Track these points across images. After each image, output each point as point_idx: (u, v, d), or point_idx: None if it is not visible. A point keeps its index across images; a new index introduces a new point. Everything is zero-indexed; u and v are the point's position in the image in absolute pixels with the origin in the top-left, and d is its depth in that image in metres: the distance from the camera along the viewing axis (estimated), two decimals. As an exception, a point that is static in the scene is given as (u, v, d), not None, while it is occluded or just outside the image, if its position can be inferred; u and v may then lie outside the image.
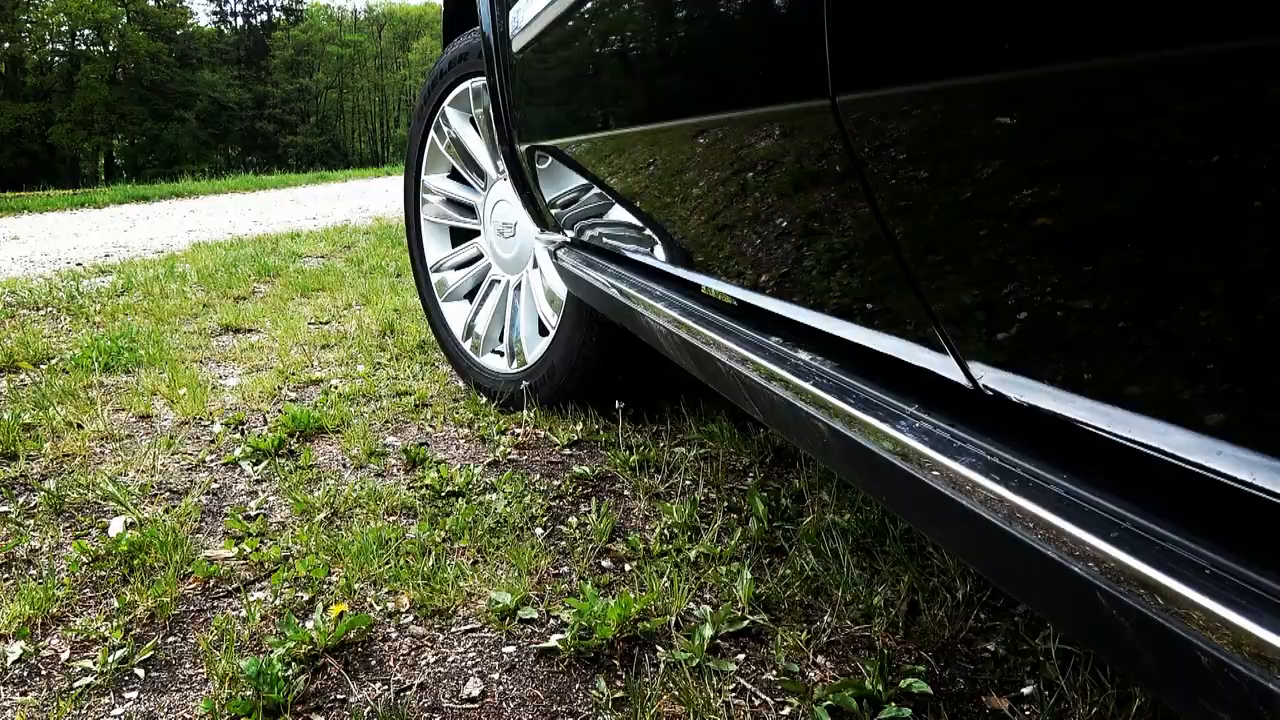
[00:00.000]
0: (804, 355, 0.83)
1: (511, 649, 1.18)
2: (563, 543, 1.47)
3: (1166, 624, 0.40)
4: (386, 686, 1.11)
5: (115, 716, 1.07)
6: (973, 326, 0.59)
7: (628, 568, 1.38)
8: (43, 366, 2.67)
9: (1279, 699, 0.35)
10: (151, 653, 1.18)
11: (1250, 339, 0.39)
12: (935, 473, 0.57)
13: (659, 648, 1.16)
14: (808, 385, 0.76)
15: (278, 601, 1.30)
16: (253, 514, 1.60)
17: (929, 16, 0.52)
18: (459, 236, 2.43)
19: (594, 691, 1.09)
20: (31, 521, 1.58)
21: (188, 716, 1.06)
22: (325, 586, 1.34)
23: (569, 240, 1.69)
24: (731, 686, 1.08)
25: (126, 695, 1.11)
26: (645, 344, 1.30)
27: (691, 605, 1.24)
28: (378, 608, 1.28)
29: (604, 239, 1.53)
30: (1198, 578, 0.41)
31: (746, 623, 1.20)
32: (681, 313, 1.10)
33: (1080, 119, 0.45)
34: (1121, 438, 0.49)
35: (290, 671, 1.11)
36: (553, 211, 1.71)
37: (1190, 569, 0.42)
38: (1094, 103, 0.43)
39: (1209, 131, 0.38)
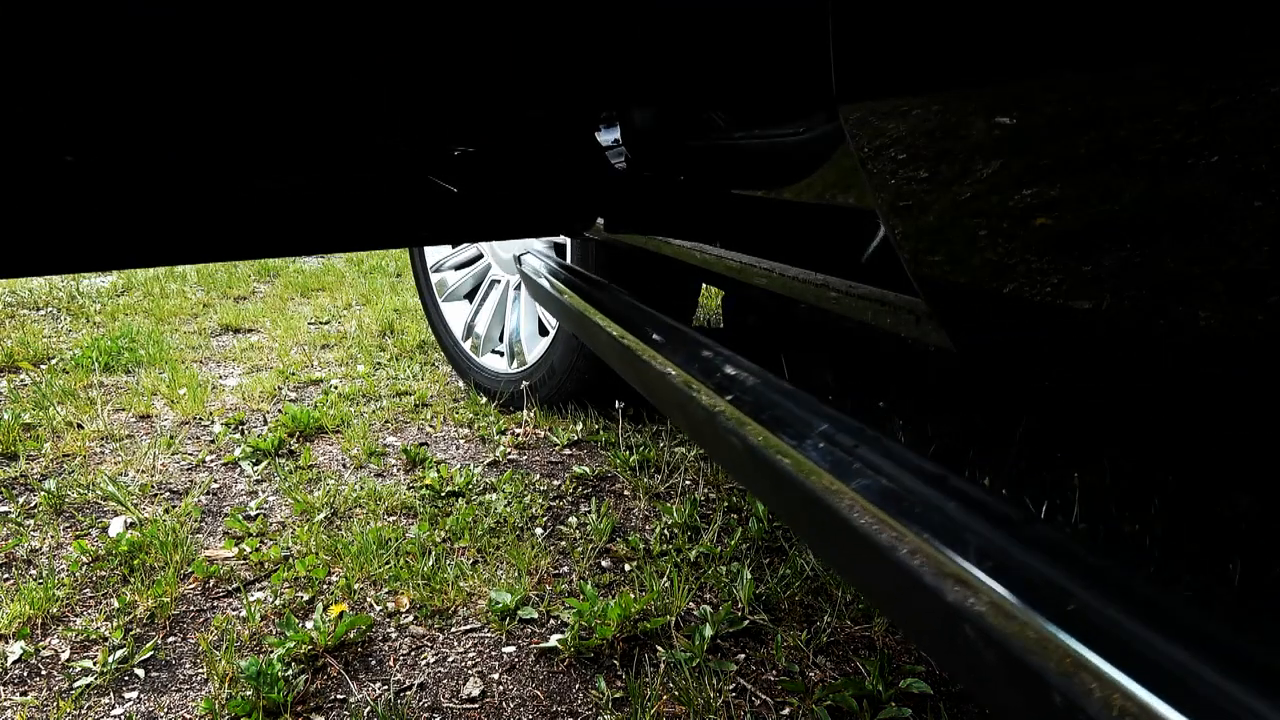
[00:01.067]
0: (729, 370, 0.80)
1: (511, 649, 1.19)
2: (563, 543, 1.47)
3: (1026, 658, 0.39)
4: (386, 686, 1.11)
5: (115, 716, 1.07)
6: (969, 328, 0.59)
7: (628, 568, 1.38)
8: (43, 366, 2.67)
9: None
10: (151, 653, 1.18)
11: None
12: (828, 490, 0.55)
13: (659, 648, 1.16)
14: (725, 401, 0.73)
15: (278, 601, 1.30)
16: (253, 514, 1.60)
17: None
18: (459, 237, 2.43)
19: (594, 691, 1.09)
20: (31, 521, 1.59)
21: (188, 716, 1.06)
22: (325, 586, 1.34)
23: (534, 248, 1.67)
24: (731, 686, 1.08)
25: (126, 695, 1.11)
26: (592, 348, 1.26)
27: (691, 605, 1.25)
28: (378, 608, 1.28)
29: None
30: (1062, 613, 0.40)
31: (746, 623, 1.20)
32: (622, 323, 1.06)
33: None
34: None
35: (290, 671, 1.11)
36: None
37: (1057, 602, 0.41)
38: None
39: (1206, 137, 0.38)
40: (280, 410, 2.15)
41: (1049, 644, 0.39)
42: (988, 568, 0.44)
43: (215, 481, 1.76)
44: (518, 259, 1.64)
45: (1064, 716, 0.37)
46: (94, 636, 1.22)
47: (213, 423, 2.11)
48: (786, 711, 1.04)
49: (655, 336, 0.96)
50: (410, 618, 1.26)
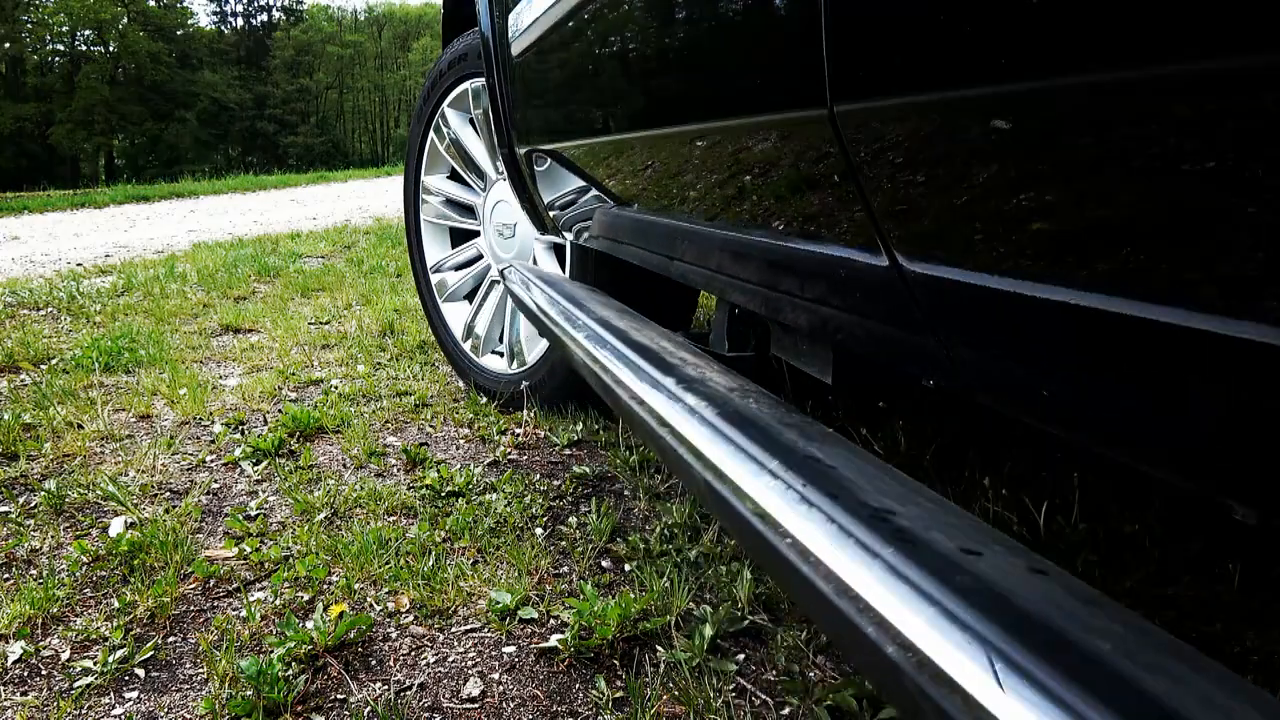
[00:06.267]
0: (691, 399, 0.78)
1: (511, 649, 1.19)
2: (563, 543, 1.47)
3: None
4: (386, 686, 1.11)
5: (115, 716, 1.07)
6: (966, 327, 0.59)
7: (628, 568, 1.38)
8: (43, 366, 2.67)
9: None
10: (152, 653, 1.18)
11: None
12: (781, 534, 0.54)
13: (659, 648, 1.16)
14: (689, 430, 0.71)
15: (278, 601, 1.30)
16: (253, 514, 1.60)
17: (926, 29, 0.53)
18: (459, 237, 2.43)
19: (594, 691, 1.09)
20: (32, 521, 1.59)
21: (188, 716, 1.07)
22: (325, 586, 1.34)
23: (514, 264, 1.66)
24: (731, 686, 1.08)
25: (127, 695, 1.11)
26: (572, 366, 1.23)
27: (692, 605, 1.25)
28: (378, 608, 1.28)
29: (601, 240, 1.53)
30: (995, 675, 0.40)
31: (746, 623, 1.20)
32: (595, 344, 1.03)
33: (1076, 129, 0.45)
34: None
35: (290, 671, 1.11)
36: (551, 214, 1.71)
37: (990, 665, 0.41)
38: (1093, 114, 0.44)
39: (1203, 141, 0.38)
40: (280, 410, 2.16)
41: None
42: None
43: (215, 481, 1.76)
44: (502, 274, 1.63)
45: None
46: (94, 636, 1.22)
47: (213, 423, 2.11)
48: (786, 711, 1.04)
49: (623, 357, 0.94)
50: (410, 618, 1.26)
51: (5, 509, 1.63)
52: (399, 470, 1.80)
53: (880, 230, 0.65)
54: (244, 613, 1.26)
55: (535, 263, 2.03)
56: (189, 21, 51.17)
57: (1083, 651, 0.38)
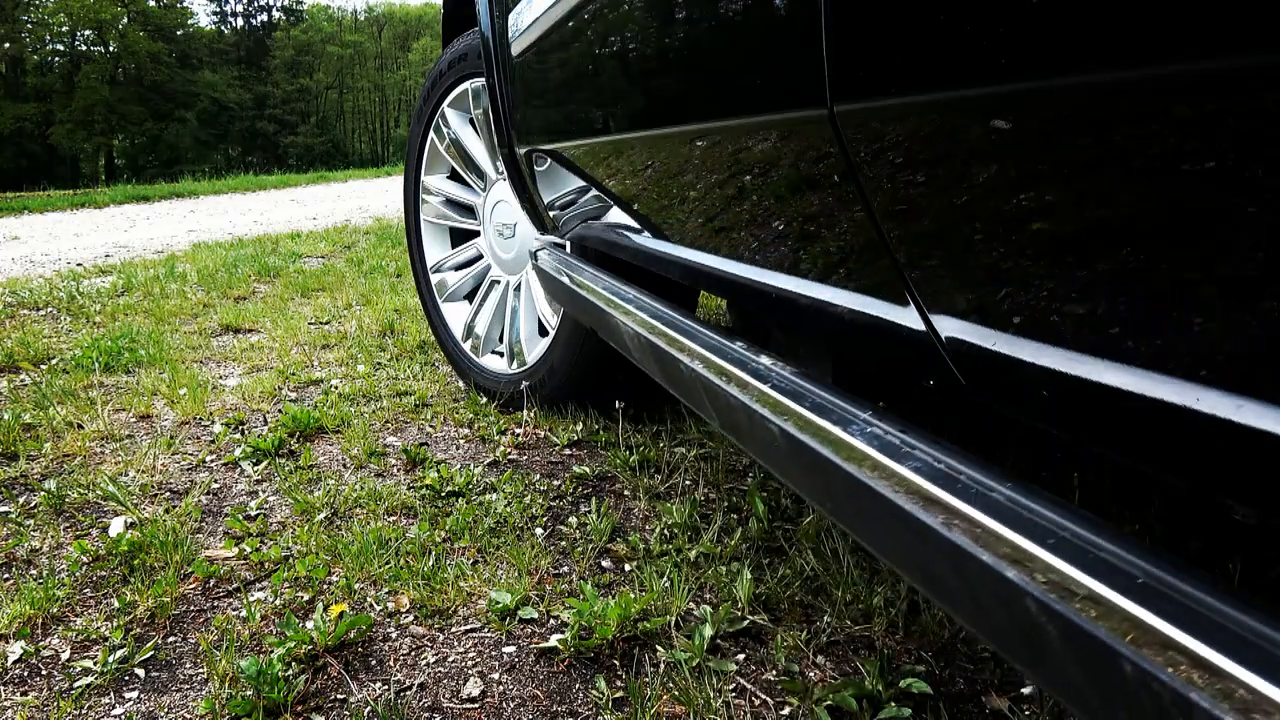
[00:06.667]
0: (764, 360, 0.82)
1: (511, 649, 1.19)
2: (563, 543, 1.47)
3: (1092, 630, 0.40)
4: (386, 686, 1.11)
5: (116, 716, 1.07)
6: (969, 332, 0.59)
7: (628, 568, 1.38)
8: (43, 366, 2.67)
9: (1202, 711, 0.35)
10: (152, 653, 1.18)
11: (1229, 343, 0.40)
12: (878, 474, 0.56)
13: (659, 648, 1.16)
14: (765, 388, 0.75)
15: (278, 601, 1.30)
16: (253, 514, 1.60)
17: (927, 29, 0.53)
18: (459, 237, 2.43)
19: (594, 691, 1.09)
20: (32, 521, 1.59)
21: (188, 716, 1.07)
22: (325, 586, 1.34)
23: (549, 242, 1.69)
24: (731, 686, 1.08)
25: (127, 695, 1.11)
26: (614, 345, 1.29)
27: (691, 605, 1.25)
28: (378, 608, 1.28)
29: (601, 242, 1.53)
30: (1130, 585, 0.41)
31: (746, 623, 1.20)
32: (649, 315, 1.09)
33: (1075, 129, 0.45)
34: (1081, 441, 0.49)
35: (290, 671, 1.11)
36: (551, 213, 1.71)
37: (1123, 577, 0.41)
38: (1089, 113, 0.44)
39: (1202, 141, 0.38)
40: (280, 410, 2.16)
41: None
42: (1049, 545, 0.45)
43: (215, 481, 1.76)
44: (534, 254, 1.66)
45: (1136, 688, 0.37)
46: (94, 636, 1.22)
47: (213, 423, 2.11)
48: (786, 711, 1.04)
49: (678, 330, 0.99)
50: (410, 617, 1.26)
51: (5, 509, 1.63)
52: (399, 470, 1.80)
53: (881, 231, 0.65)
54: (244, 613, 1.26)
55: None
56: (189, 21, 51.18)
57: None
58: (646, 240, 1.30)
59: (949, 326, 0.62)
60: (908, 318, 0.67)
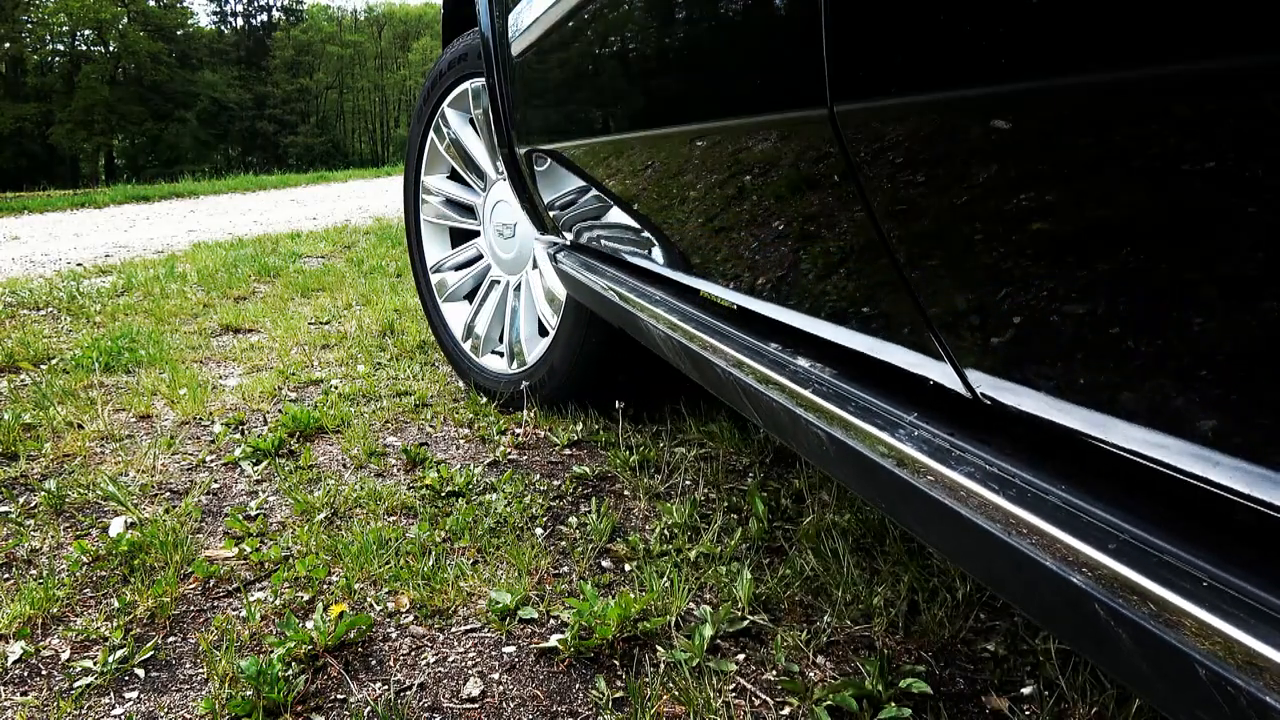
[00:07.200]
0: (803, 362, 0.83)
1: (511, 649, 1.19)
2: (563, 543, 1.47)
3: (1163, 635, 0.40)
4: (386, 686, 1.11)
5: (115, 716, 1.07)
6: (969, 333, 0.59)
7: (628, 568, 1.38)
8: (43, 366, 2.67)
9: (1275, 711, 0.35)
10: (152, 653, 1.18)
11: (1250, 347, 0.40)
12: (932, 480, 0.57)
13: (659, 648, 1.16)
14: (806, 392, 0.76)
15: (278, 601, 1.30)
16: (253, 514, 1.60)
17: (927, 29, 0.52)
18: (459, 237, 2.43)
19: (594, 691, 1.09)
20: (32, 521, 1.59)
21: (188, 716, 1.07)
22: (325, 586, 1.34)
23: (568, 243, 1.70)
24: (731, 686, 1.08)
25: (127, 695, 1.11)
26: (645, 344, 1.31)
27: (691, 605, 1.25)
28: (378, 608, 1.28)
29: (602, 242, 1.53)
30: (1195, 589, 0.41)
31: (746, 623, 1.20)
32: (680, 317, 1.10)
33: (1075, 129, 0.45)
34: (1119, 447, 0.49)
35: (290, 671, 1.11)
36: (551, 214, 1.71)
37: (1188, 580, 0.42)
38: (1090, 113, 0.44)
39: (1202, 141, 0.38)
40: (280, 410, 2.16)
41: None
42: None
43: (215, 481, 1.76)
44: (553, 256, 1.67)
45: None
46: (94, 636, 1.22)
47: (213, 423, 2.11)
48: (786, 711, 1.04)
49: (710, 331, 1.00)
50: (410, 617, 1.26)
51: (5, 509, 1.63)
52: (399, 470, 1.80)
53: (881, 231, 0.65)
54: (244, 613, 1.26)
55: (535, 264, 2.03)
56: (189, 21, 51.17)
57: None
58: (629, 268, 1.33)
59: (948, 326, 0.62)
60: (907, 318, 0.67)
